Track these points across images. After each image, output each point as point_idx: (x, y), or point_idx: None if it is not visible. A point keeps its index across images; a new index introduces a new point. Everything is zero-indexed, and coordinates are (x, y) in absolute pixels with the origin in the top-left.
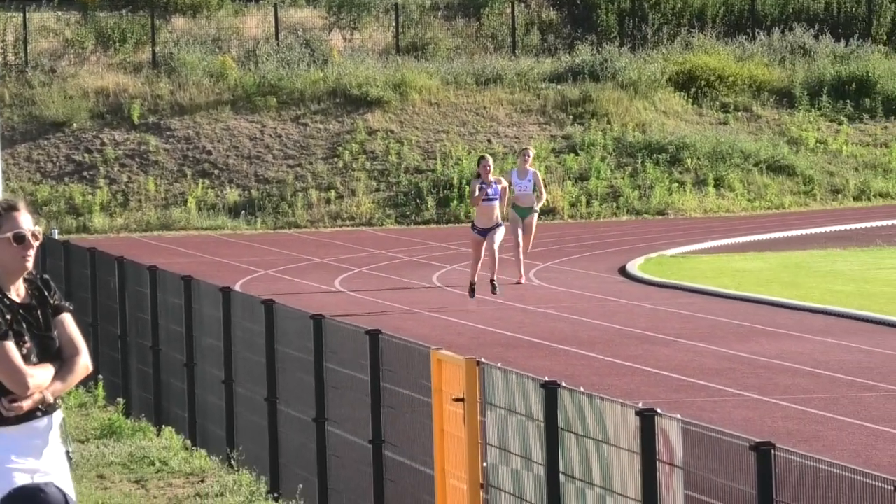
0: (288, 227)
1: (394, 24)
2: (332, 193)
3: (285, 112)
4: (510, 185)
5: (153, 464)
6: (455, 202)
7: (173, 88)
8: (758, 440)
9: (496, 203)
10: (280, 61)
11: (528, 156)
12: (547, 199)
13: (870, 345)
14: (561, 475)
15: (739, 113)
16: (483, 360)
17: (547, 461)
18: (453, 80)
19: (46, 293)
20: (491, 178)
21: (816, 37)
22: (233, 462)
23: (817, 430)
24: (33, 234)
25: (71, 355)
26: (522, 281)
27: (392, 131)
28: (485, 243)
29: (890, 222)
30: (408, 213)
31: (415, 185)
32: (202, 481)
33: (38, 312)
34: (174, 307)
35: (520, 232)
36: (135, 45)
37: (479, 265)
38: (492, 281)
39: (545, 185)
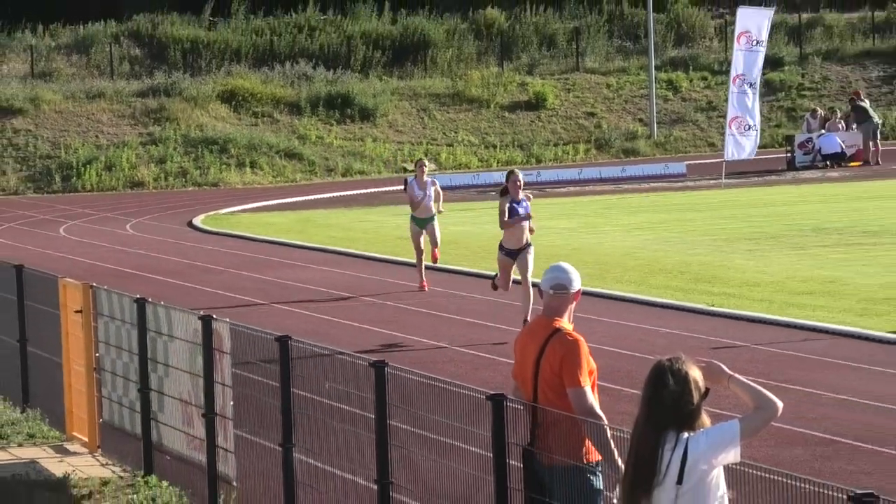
0: None
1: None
2: None
3: None
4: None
5: None
6: None
7: None
8: (280, 334)
9: (526, 223)
10: None
11: (425, 167)
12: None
13: (355, 271)
14: (149, 361)
15: (265, 118)
16: (95, 284)
17: (139, 352)
18: (71, 95)
19: None
20: (521, 194)
21: (314, 67)
22: None
23: (324, 328)
24: None
25: None
26: (426, 287)
27: None
28: (516, 267)
29: (365, 191)
30: None
31: None
32: None
33: None
34: None
35: (421, 240)
36: None
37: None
38: (525, 321)
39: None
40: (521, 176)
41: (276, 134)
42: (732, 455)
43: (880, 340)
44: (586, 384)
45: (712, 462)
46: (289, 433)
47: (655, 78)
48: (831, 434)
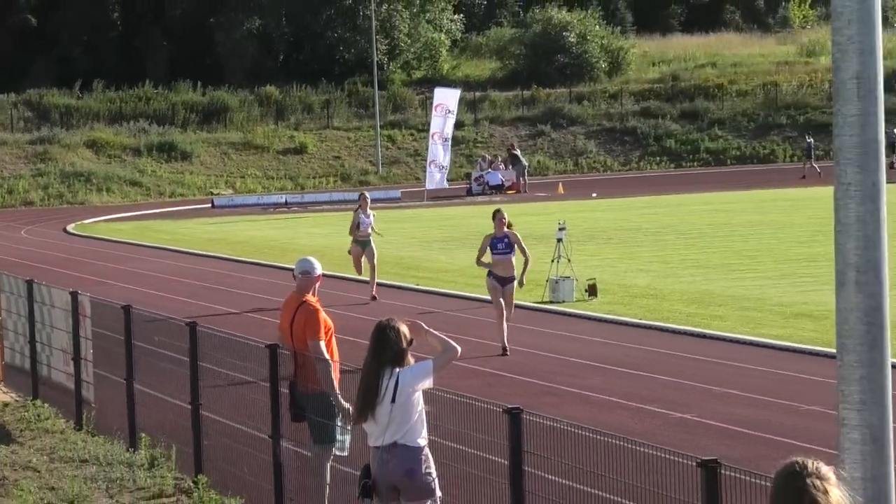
0: None
1: None
2: None
3: None
4: (358, 225)
5: None
6: None
7: None
8: (124, 304)
9: (511, 255)
10: None
11: (368, 199)
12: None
13: (176, 262)
14: (35, 322)
15: (117, 158)
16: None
17: (29, 317)
18: None
19: None
20: (504, 230)
21: (150, 124)
22: None
23: (156, 300)
24: None
25: None
26: (376, 296)
27: None
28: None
29: (185, 208)
30: None
31: None
32: None
33: None
34: None
35: (362, 259)
36: None
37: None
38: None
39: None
40: (505, 214)
41: (123, 169)
42: (428, 383)
43: (531, 308)
44: (321, 338)
45: (415, 387)
46: (130, 371)
47: (380, 133)
48: (496, 370)
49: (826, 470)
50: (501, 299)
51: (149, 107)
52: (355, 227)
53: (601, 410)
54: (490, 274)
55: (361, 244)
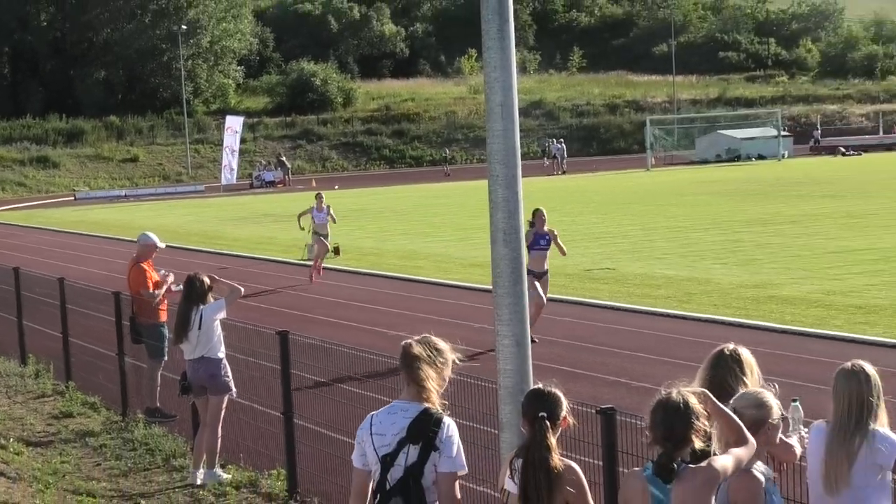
0: None
1: None
2: None
3: None
4: (312, 220)
5: None
6: None
7: None
8: (13, 266)
9: (546, 252)
10: None
11: (322, 198)
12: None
13: (59, 238)
14: None
15: (9, 168)
16: None
17: None
18: None
19: None
20: (545, 228)
21: (30, 144)
22: None
23: (47, 268)
24: None
25: None
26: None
27: None
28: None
29: (57, 200)
30: None
31: None
32: None
33: None
34: None
35: (325, 244)
36: None
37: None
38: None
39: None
40: (545, 213)
41: (13, 175)
42: (223, 314)
43: (294, 264)
44: (150, 288)
45: (214, 318)
46: (20, 313)
47: (189, 147)
48: (273, 306)
49: (436, 341)
50: (542, 292)
51: (30, 132)
52: (311, 220)
53: (346, 332)
54: (528, 272)
55: (324, 236)
